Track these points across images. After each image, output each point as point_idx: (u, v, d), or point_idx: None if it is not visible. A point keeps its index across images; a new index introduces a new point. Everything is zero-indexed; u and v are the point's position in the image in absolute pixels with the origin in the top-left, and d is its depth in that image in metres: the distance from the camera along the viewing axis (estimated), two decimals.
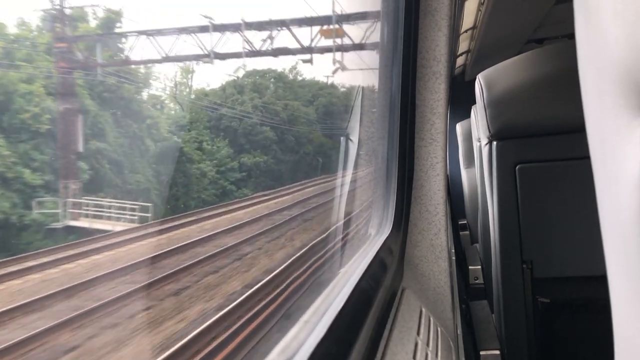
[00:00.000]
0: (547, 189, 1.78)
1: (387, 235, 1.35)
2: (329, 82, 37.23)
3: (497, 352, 1.84)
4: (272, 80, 35.48)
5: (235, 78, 33.13)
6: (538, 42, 4.21)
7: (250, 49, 21.46)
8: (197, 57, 22.41)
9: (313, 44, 20.66)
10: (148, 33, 22.27)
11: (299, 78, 37.23)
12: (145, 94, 29.00)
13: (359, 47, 19.20)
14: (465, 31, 3.92)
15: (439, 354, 1.12)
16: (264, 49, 21.44)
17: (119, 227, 17.16)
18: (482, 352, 1.85)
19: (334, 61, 20.48)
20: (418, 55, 1.56)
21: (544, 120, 1.75)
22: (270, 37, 21.23)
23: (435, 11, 1.54)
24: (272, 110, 32.36)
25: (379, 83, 1.61)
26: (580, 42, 0.37)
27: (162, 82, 31.74)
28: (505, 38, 4.11)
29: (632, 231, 0.31)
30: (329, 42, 20.64)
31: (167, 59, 22.19)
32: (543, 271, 1.80)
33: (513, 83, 1.81)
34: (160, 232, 14.57)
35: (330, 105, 35.69)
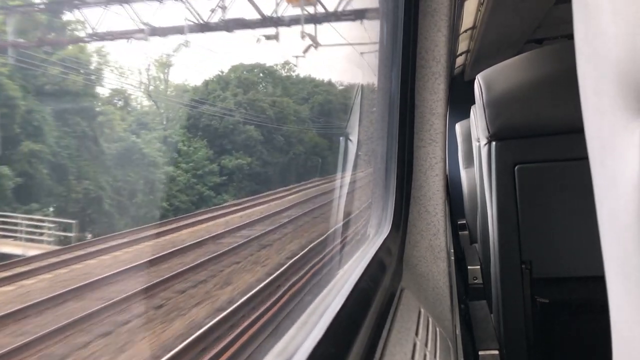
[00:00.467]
0: (546, 189, 1.78)
1: (386, 235, 1.35)
2: (327, 79, 34.71)
3: (496, 352, 1.84)
4: (261, 75, 32.46)
5: (220, 73, 30.02)
6: (537, 42, 4.21)
7: (196, 21, 16.44)
8: (127, 34, 17.15)
9: (278, 14, 16.03)
10: (69, 3, 17.32)
11: (293, 74, 34.40)
12: (105, 88, 24.62)
13: (338, 16, 15.20)
14: (465, 31, 3.92)
15: (438, 354, 1.12)
16: (213, 21, 16.44)
17: (32, 251, 13.55)
18: (480, 352, 1.85)
19: (303, 35, 16.24)
20: (417, 56, 1.56)
21: (543, 120, 1.75)
22: (222, 7, 16.39)
23: (435, 12, 1.54)
24: (258, 108, 28.97)
25: (378, 83, 1.61)
26: (579, 42, 0.37)
27: (134, 75, 27.24)
28: (504, 38, 4.11)
29: (630, 232, 0.31)
30: (297, 12, 15.80)
31: (95, 36, 17.40)
32: (542, 271, 1.80)
33: (512, 83, 1.81)
34: (51, 267, 10.42)
35: (327, 104, 32.80)
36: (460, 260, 3.07)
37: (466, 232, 4.13)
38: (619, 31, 0.30)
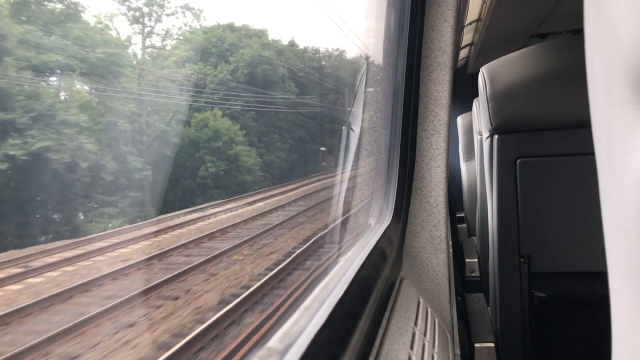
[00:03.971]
0: (547, 184, 1.78)
1: (387, 225, 1.35)
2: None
3: (492, 344, 1.85)
4: None
5: None
6: (542, 36, 4.19)
7: None
8: None
9: None
10: None
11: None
12: None
13: None
14: (470, 23, 3.90)
15: (436, 344, 1.13)
16: None
17: None
18: (476, 344, 1.86)
19: None
20: (423, 46, 1.55)
21: (546, 115, 1.75)
22: None
23: (442, 1, 1.52)
24: None
25: (383, 72, 1.60)
26: (589, 35, 0.37)
27: None
28: (509, 31, 4.09)
29: (636, 227, 0.31)
30: None
31: None
32: (540, 266, 1.81)
33: (517, 77, 1.80)
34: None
35: (260, 64, 20.29)
36: (457, 253, 3.08)
37: (464, 225, 4.14)
38: (631, 24, 0.30)
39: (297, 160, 22.64)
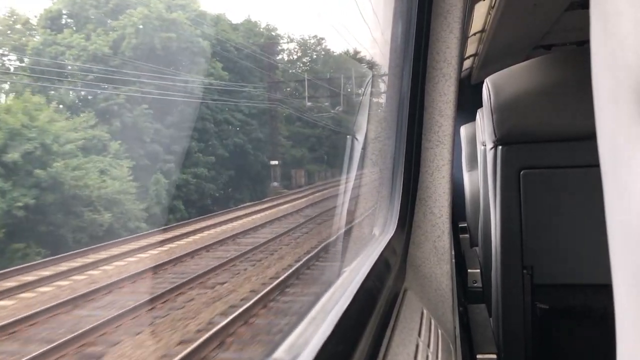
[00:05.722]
0: (550, 195, 1.78)
1: (391, 235, 1.35)
2: None
3: (494, 356, 1.84)
4: None
5: None
6: (546, 48, 4.20)
7: None
8: None
9: None
10: None
11: None
12: None
13: None
14: (474, 34, 3.91)
15: (439, 356, 1.12)
16: None
17: None
18: (479, 356, 1.85)
19: None
20: (428, 57, 1.56)
21: (550, 126, 1.75)
22: None
23: (448, 13, 1.53)
24: None
25: (389, 82, 1.60)
26: (595, 49, 0.37)
27: None
28: (513, 43, 4.10)
29: None
30: None
31: None
32: (543, 277, 1.80)
33: (521, 88, 1.80)
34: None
35: (159, 32, 12.48)
36: (459, 263, 3.07)
37: (466, 235, 4.13)
38: (638, 40, 0.30)
39: (231, 179, 15.10)
